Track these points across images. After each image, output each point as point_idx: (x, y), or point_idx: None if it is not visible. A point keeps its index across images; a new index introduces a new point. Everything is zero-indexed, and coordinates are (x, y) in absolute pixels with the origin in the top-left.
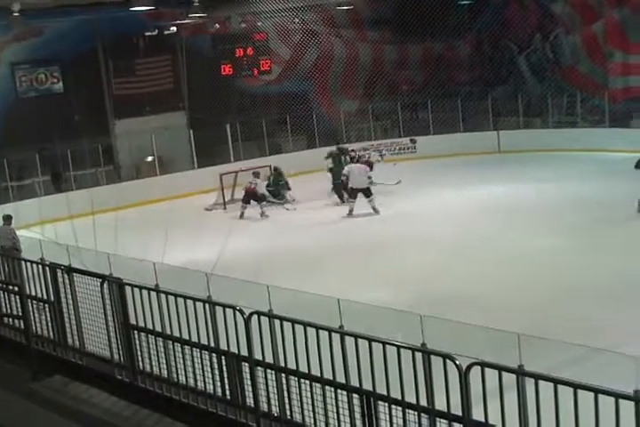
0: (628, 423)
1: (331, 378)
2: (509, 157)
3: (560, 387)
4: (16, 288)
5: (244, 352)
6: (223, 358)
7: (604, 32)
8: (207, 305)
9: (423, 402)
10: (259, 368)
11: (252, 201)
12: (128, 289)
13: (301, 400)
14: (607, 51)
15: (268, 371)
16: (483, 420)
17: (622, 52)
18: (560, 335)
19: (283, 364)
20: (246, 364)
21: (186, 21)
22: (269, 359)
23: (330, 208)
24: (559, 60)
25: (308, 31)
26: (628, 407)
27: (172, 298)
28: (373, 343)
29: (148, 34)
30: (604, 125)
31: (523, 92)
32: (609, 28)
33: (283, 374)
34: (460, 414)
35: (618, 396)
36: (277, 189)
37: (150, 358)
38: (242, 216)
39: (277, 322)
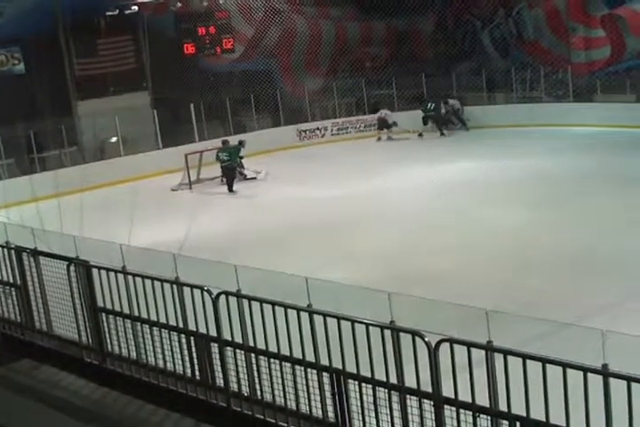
0: (596, 396)
1: (300, 357)
2: (475, 132)
3: (529, 362)
4: None
5: (213, 333)
6: (192, 338)
7: (566, 6)
8: (175, 286)
9: (393, 379)
10: (228, 348)
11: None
12: (95, 271)
13: (271, 380)
14: (570, 25)
15: (238, 351)
16: (452, 396)
17: (584, 26)
18: (528, 310)
19: (252, 344)
20: (215, 344)
21: (147, 0)
22: (238, 339)
23: (297, 186)
24: (522, 35)
25: (271, 9)
26: (596, 381)
27: (139, 279)
28: (342, 322)
29: (109, 13)
30: (568, 100)
31: (486, 67)
32: (571, 2)
33: (252, 354)
34: (429, 390)
35: (586, 370)
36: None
37: (119, 340)
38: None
39: (246, 302)
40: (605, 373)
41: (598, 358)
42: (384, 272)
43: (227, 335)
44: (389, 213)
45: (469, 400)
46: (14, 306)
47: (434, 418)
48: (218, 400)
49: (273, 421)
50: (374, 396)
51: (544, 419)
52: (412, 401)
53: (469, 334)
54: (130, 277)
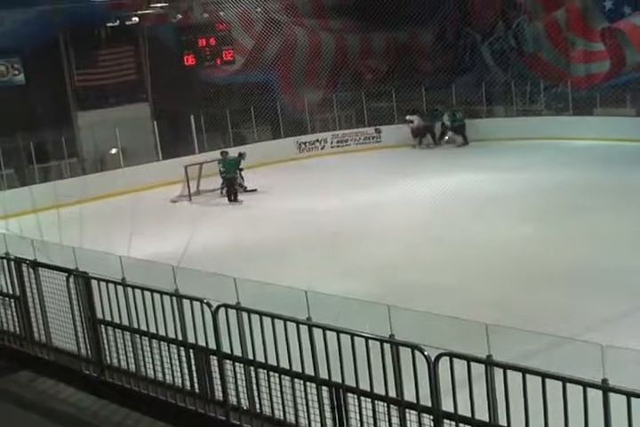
0: (596, 411)
1: (299, 370)
2: (474, 145)
3: (528, 376)
4: None
5: (213, 345)
6: (191, 351)
7: (565, 19)
8: (174, 298)
9: (392, 393)
10: (227, 361)
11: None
12: (94, 283)
13: (270, 393)
14: (569, 38)
15: (237, 364)
16: (452, 410)
17: (584, 40)
18: (528, 324)
19: (251, 357)
20: (214, 357)
21: (148, 11)
22: (238, 352)
23: (297, 198)
24: (522, 48)
25: (271, 20)
26: (596, 396)
27: (138, 291)
28: (341, 335)
29: (109, 24)
30: (567, 113)
31: (486, 80)
32: (570, 15)
33: (251, 367)
34: (429, 404)
35: (586, 384)
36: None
37: (118, 353)
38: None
39: (245, 315)
40: (605, 388)
41: (598, 372)
42: (384, 285)
43: (226, 348)
44: (389, 225)
45: (469, 415)
46: (13, 317)
47: None
48: (217, 414)
49: None
50: (373, 410)
51: None
52: (411, 415)
53: (469, 349)
54: (129, 289)
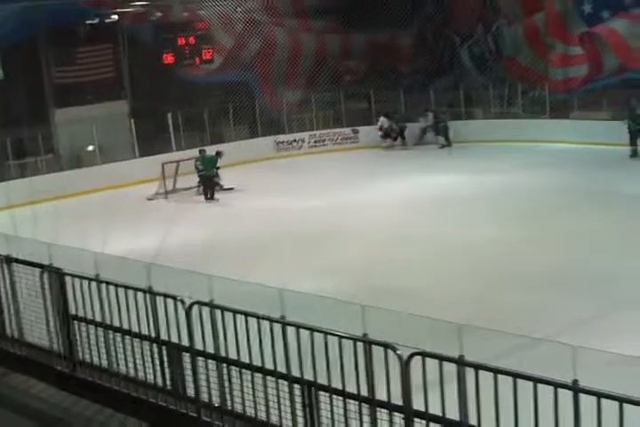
0: (567, 412)
1: (272, 368)
2: (453, 147)
3: (500, 376)
4: None
5: (186, 342)
6: (164, 348)
7: (545, 23)
8: (148, 295)
9: (364, 392)
10: (200, 358)
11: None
12: (68, 279)
13: (242, 391)
14: (548, 42)
15: (209, 361)
16: (423, 409)
17: (562, 44)
18: (501, 325)
19: (224, 354)
20: (187, 354)
21: (127, 10)
22: (210, 350)
23: (274, 197)
24: (501, 52)
25: (251, 20)
26: (566, 396)
27: (112, 288)
28: (315, 333)
29: (88, 22)
30: (544, 116)
31: (464, 82)
32: (549, 19)
33: (224, 365)
34: (400, 403)
35: (556, 385)
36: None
37: (90, 349)
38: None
39: (219, 312)
40: (575, 388)
41: (570, 373)
42: (359, 284)
43: (199, 345)
44: (365, 225)
45: (440, 414)
46: None
47: None
48: (188, 410)
49: None
50: (345, 408)
51: None
52: (382, 414)
53: (442, 349)
54: (103, 286)
